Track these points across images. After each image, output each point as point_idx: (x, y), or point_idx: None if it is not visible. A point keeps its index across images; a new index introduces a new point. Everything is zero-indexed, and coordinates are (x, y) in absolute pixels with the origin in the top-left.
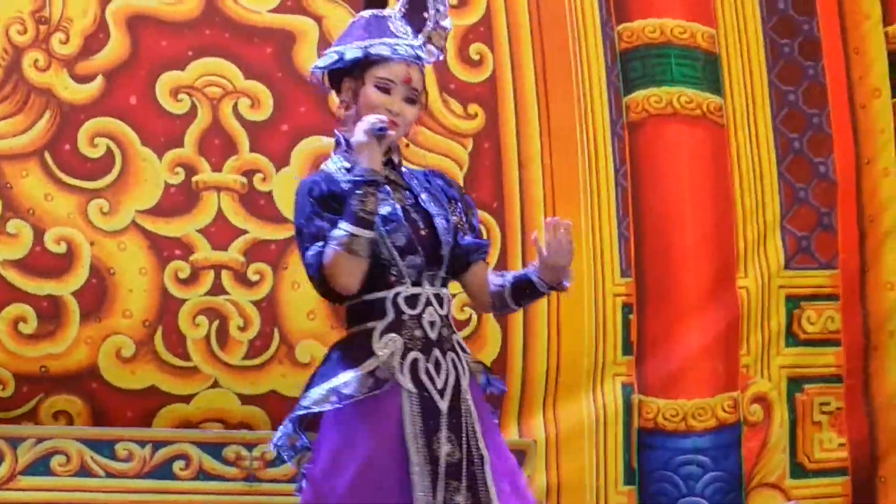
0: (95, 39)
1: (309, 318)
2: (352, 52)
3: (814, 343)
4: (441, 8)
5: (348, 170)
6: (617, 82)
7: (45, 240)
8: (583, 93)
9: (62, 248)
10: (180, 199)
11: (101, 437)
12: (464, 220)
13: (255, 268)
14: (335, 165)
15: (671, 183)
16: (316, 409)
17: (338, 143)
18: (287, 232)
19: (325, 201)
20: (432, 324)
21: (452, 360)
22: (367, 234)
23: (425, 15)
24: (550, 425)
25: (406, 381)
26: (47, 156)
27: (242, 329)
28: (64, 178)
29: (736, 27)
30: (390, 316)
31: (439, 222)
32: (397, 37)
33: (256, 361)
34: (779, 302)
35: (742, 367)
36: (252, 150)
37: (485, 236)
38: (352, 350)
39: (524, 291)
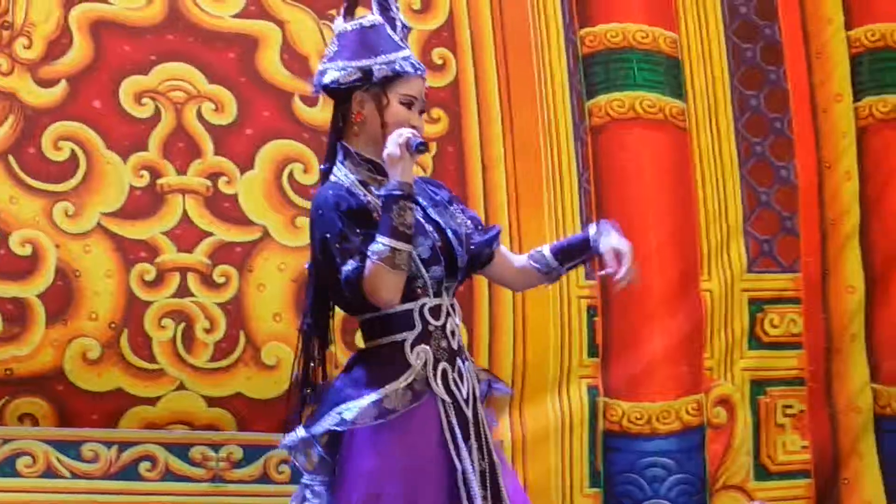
0: (59, 44)
1: (275, 320)
2: (379, 70)
3: (776, 346)
4: (395, 6)
5: (362, 182)
6: (579, 87)
7: (10, 242)
8: (546, 97)
9: (27, 251)
10: (145, 202)
11: (67, 438)
12: (468, 222)
13: (221, 270)
14: (347, 179)
15: (634, 187)
16: (360, 424)
17: (345, 154)
18: (252, 234)
19: (355, 216)
20: (453, 333)
21: (468, 369)
22: (407, 247)
23: (392, 14)
24: (517, 427)
25: (440, 391)
26: (11, 159)
27: (208, 331)
28: (29, 181)
29: (698, 32)
30: (418, 327)
31: (451, 234)
32: (401, 47)
33: (222, 364)
34: (742, 305)
35: (706, 369)
36: (216, 153)
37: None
38: (383, 363)
39: (573, 251)
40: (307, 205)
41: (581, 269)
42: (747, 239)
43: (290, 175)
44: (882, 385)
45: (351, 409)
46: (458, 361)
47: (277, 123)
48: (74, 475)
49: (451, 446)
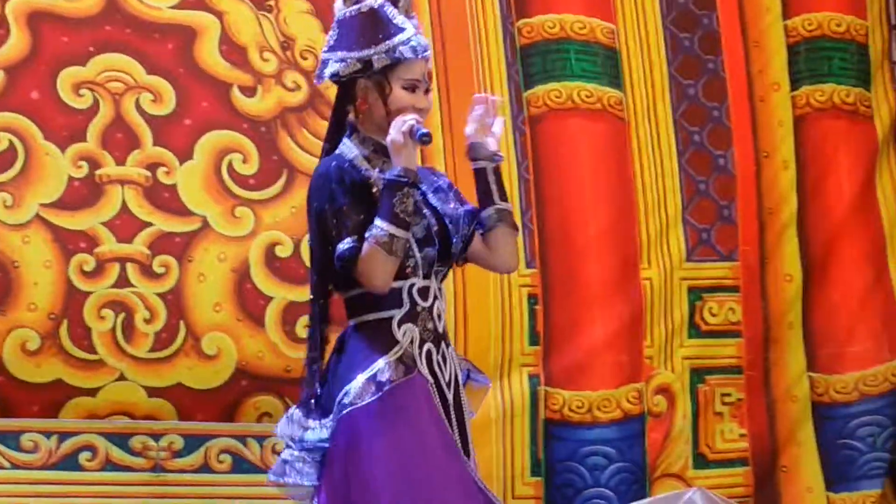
0: None
1: (215, 310)
2: (378, 59)
3: (715, 335)
4: None
5: (367, 158)
6: (517, 77)
7: None
8: (484, 88)
9: None
10: (84, 193)
11: (6, 428)
12: (461, 210)
13: (161, 260)
14: (351, 152)
15: (573, 176)
16: (359, 403)
17: (353, 130)
18: (192, 224)
19: (356, 191)
20: (439, 317)
21: (452, 354)
22: (405, 235)
23: None
24: None
25: (426, 371)
26: None
27: (148, 321)
28: None
29: (635, 22)
30: (406, 306)
31: (448, 220)
32: (403, 29)
33: (163, 354)
34: (681, 294)
35: (646, 358)
36: (155, 144)
37: None
38: (371, 339)
39: (481, 188)
40: (246, 195)
41: (522, 258)
42: (686, 228)
43: (230, 165)
44: (819, 373)
45: (348, 393)
46: (443, 345)
47: (216, 114)
48: (14, 465)
49: (446, 422)
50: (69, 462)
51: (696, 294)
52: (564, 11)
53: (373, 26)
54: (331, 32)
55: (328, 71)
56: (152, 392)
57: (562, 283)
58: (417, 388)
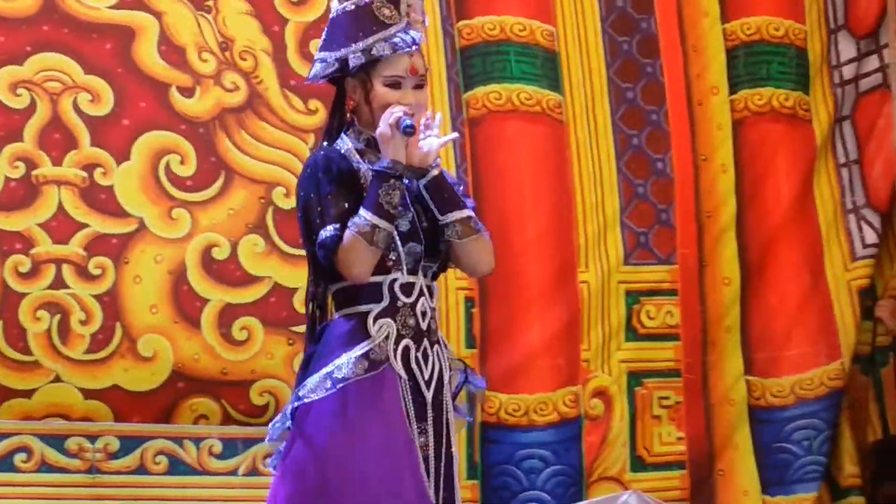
0: None
1: (151, 311)
2: (354, 58)
3: (653, 338)
4: None
5: (360, 151)
6: (457, 79)
7: None
8: None
9: None
10: (20, 193)
11: None
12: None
13: (97, 262)
14: (345, 145)
15: (511, 178)
16: (313, 398)
17: (350, 124)
18: (128, 226)
19: (343, 180)
20: (424, 314)
21: (438, 353)
22: (388, 227)
23: None
24: None
25: (399, 368)
26: None
27: (84, 323)
28: None
29: (575, 24)
30: (386, 301)
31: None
32: (388, 25)
33: (99, 356)
34: (618, 297)
35: (583, 361)
36: (93, 144)
37: None
38: (346, 333)
39: (432, 198)
40: (183, 196)
41: None
42: (624, 231)
43: (167, 166)
44: (756, 377)
45: (304, 386)
46: (426, 343)
47: (154, 115)
48: None
49: (407, 422)
50: (4, 464)
51: (634, 297)
52: (505, 13)
53: (355, 24)
54: (324, 32)
55: (311, 73)
56: (88, 394)
57: (499, 285)
58: (383, 385)
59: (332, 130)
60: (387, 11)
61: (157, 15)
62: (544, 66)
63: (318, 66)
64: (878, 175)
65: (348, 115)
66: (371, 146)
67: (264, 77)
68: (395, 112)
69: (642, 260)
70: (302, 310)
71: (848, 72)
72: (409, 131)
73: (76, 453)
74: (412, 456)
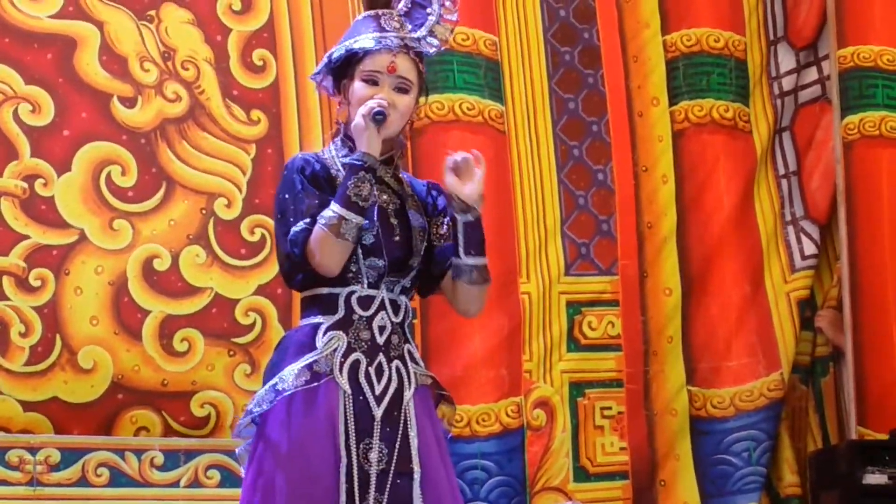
0: None
1: (92, 323)
2: (337, 52)
3: (595, 348)
4: (448, 3)
5: (342, 158)
6: None
7: None
8: None
9: None
10: None
11: None
12: (447, 233)
13: (37, 273)
14: (328, 154)
15: None
16: (258, 411)
17: (338, 132)
18: (69, 237)
19: (316, 181)
20: (382, 328)
21: (398, 369)
22: (357, 219)
23: (428, 11)
24: None
25: (343, 381)
26: None
27: (24, 335)
28: None
29: (518, 34)
30: (340, 313)
31: (416, 233)
32: (385, 31)
33: (38, 368)
34: (560, 308)
35: (525, 372)
36: (33, 155)
37: None
38: (297, 343)
39: (458, 235)
40: (125, 207)
41: None
42: (565, 242)
43: (108, 177)
44: (697, 387)
45: (253, 399)
46: (381, 357)
47: (95, 125)
48: None
49: (342, 437)
50: None
51: (576, 308)
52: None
53: (355, 27)
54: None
55: (312, 75)
56: (28, 406)
57: (440, 297)
58: (322, 397)
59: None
60: (393, 22)
61: (99, 24)
62: (487, 76)
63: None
64: (816, 187)
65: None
66: (353, 153)
67: (206, 87)
68: (368, 103)
69: (583, 271)
70: (243, 321)
71: (787, 83)
72: (379, 118)
73: (17, 466)
74: (333, 466)
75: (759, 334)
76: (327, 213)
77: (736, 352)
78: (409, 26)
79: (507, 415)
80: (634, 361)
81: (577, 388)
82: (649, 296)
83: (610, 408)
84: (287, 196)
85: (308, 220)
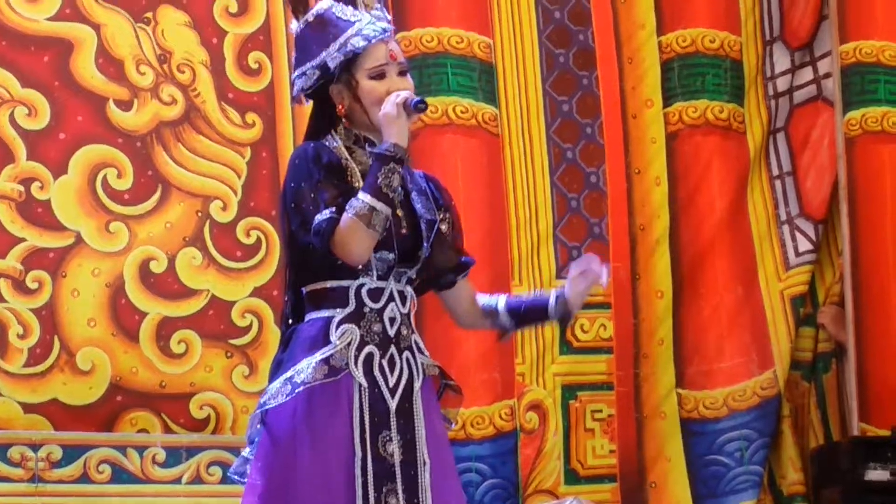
0: None
1: (89, 325)
2: (332, 60)
3: (587, 351)
4: None
5: (347, 148)
6: None
7: None
8: None
9: None
10: None
11: None
12: (451, 230)
13: (34, 276)
14: (334, 142)
15: None
16: (273, 404)
17: (336, 126)
18: (66, 240)
19: (333, 170)
20: (392, 320)
21: (408, 360)
22: (386, 210)
23: None
24: None
25: (359, 374)
26: None
27: (22, 337)
28: None
29: (512, 37)
30: (351, 306)
31: (424, 225)
32: (353, 22)
33: (37, 369)
34: None
35: (518, 375)
36: (29, 158)
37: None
38: (309, 338)
39: (531, 315)
40: (121, 210)
41: None
42: (557, 245)
43: (104, 180)
44: (687, 390)
45: (267, 392)
46: (393, 349)
47: (91, 128)
48: None
49: (357, 431)
50: None
51: None
52: (442, 25)
53: (322, 31)
54: (294, 53)
55: (295, 90)
56: (27, 408)
57: (434, 299)
58: (340, 391)
59: (317, 134)
60: (348, 11)
61: (96, 27)
62: (481, 79)
63: (299, 82)
64: (811, 185)
65: (343, 119)
66: (359, 143)
67: (202, 90)
68: (401, 93)
69: None
70: (240, 323)
71: (782, 84)
72: (422, 106)
73: (19, 462)
74: (350, 462)
75: (753, 333)
76: (356, 202)
77: (729, 353)
78: (375, 5)
79: (501, 418)
80: (625, 364)
81: (569, 391)
82: (641, 298)
83: (601, 410)
84: (304, 185)
85: (333, 209)
